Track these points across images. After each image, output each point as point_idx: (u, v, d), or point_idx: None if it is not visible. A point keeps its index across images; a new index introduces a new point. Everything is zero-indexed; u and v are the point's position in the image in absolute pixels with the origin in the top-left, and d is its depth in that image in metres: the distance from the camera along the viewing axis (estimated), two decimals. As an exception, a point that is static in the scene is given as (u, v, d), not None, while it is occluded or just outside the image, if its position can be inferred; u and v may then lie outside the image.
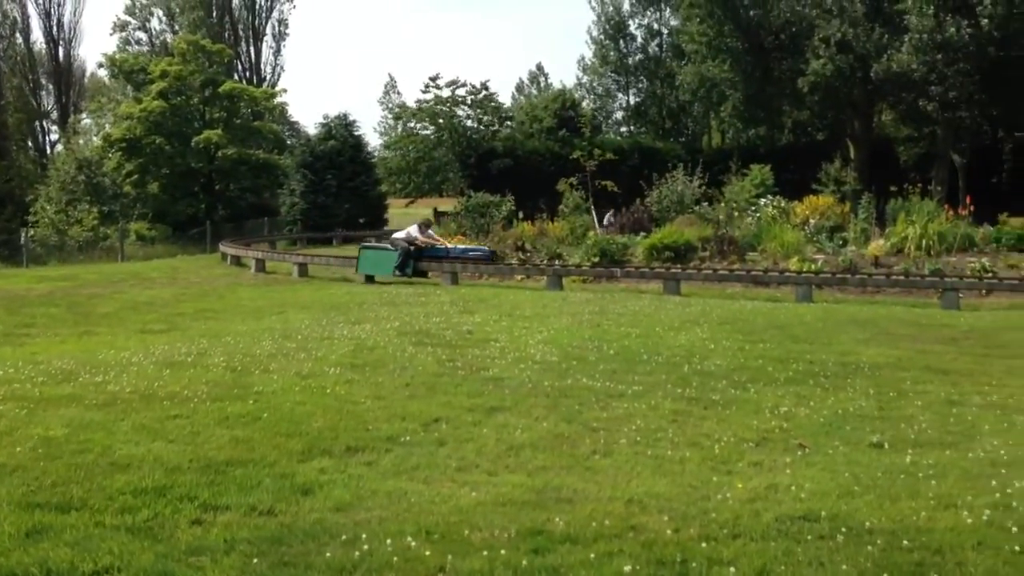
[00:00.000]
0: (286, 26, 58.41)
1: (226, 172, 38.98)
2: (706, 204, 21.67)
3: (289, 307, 13.95)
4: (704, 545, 4.17)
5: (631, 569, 3.89)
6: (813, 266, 16.82)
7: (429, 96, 41.13)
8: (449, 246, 19.14)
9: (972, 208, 19.30)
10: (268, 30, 57.24)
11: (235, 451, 5.63)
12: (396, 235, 19.02)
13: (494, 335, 10.39)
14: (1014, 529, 4.33)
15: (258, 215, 39.72)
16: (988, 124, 32.31)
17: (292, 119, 60.34)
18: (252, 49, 56.58)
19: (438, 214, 36.53)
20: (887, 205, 20.08)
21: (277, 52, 62.26)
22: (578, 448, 5.83)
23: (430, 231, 19.25)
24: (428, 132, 43.02)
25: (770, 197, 21.81)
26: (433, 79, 40.72)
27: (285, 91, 79.63)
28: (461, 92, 41.19)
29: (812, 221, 20.16)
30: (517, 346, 9.58)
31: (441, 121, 41.47)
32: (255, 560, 3.97)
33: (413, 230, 18.62)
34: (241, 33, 55.81)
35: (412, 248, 18.27)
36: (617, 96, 55.69)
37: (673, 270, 16.84)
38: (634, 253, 18.98)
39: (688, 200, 22.40)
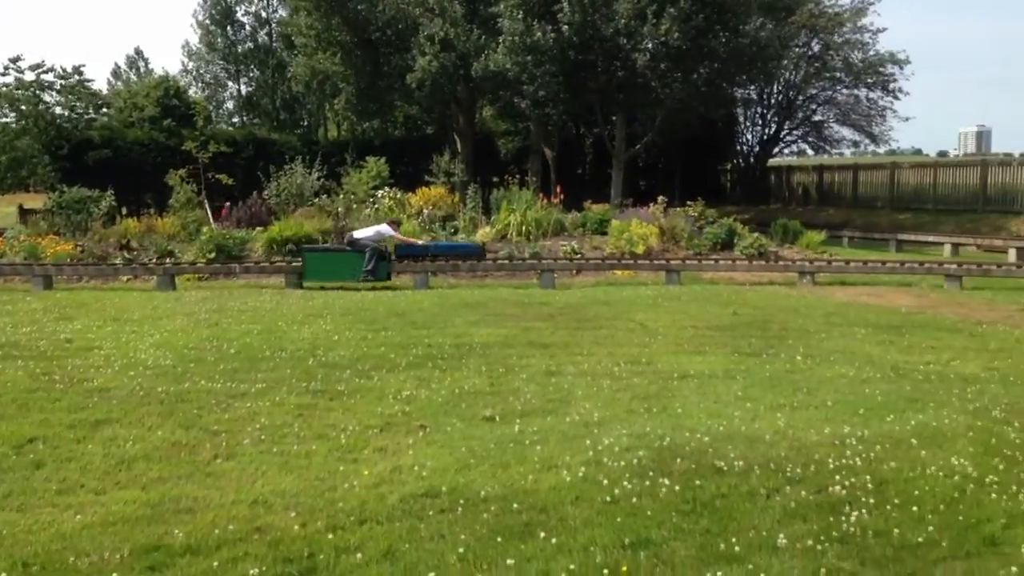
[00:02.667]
0: None
1: None
2: (325, 196, 21.70)
3: None
4: (331, 536, 4.22)
5: (257, 572, 3.82)
6: (429, 254, 17.63)
7: (9, 79, 36.22)
8: (427, 243, 17.15)
9: (563, 196, 21.55)
10: None
11: None
12: (358, 234, 16.20)
13: (98, 342, 9.53)
14: (605, 482, 4.93)
15: None
16: (572, 121, 36.14)
17: None
18: None
19: (24, 211, 32.44)
20: (491, 195, 21.64)
21: None
22: (198, 454, 5.59)
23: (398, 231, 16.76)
24: (9, 120, 37.82)
25: (387, 189, 22.38)
26: (14, 61, 35.85)
27: None
28: (49, 76, 36.78)
29: (426, 211, 21.09)
30: (125, 352, 8.89)
31: (24, 108, 36.68)
32: None
33: (384, 228, 16.24)
34: None
35: (384, 248, 16.04)
36: (228, 85, 53.41)
37: (295, 264, 16.65)
38: (253, 248, 18.44)
39: (307, 192, 22.29)
